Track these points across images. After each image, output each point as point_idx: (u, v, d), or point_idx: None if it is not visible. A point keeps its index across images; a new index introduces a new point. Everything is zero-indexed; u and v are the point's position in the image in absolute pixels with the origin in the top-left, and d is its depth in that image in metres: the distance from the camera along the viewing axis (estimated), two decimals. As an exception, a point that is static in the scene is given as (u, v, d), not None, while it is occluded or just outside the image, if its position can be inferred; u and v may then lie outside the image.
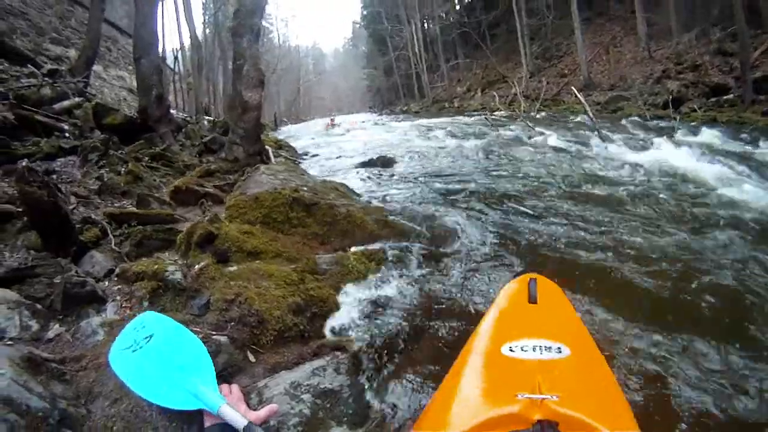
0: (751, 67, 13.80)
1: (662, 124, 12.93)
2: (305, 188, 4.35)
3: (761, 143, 9.04)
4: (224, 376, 2.00)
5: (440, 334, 2.79)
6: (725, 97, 14.62)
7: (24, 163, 2.72)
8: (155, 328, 1.80)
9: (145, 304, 2.51)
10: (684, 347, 2.62)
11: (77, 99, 8.55)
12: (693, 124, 12.14)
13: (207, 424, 1.51)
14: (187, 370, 1.61)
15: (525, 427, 1.12)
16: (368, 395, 2.19)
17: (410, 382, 2.35)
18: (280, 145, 12.53)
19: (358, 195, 5.47)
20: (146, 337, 1.73)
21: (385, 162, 9.21)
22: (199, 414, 1.54)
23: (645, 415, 2.06)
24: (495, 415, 1.16)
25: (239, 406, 1.56)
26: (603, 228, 4.58)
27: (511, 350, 1.50)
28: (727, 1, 16.36)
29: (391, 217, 4.38)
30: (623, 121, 14.56)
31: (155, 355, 1.66)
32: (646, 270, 3.58)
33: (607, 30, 28.56)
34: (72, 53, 15.06)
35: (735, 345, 2.63)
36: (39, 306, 2.30)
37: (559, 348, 1.48)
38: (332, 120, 29.77)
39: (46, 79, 9.50)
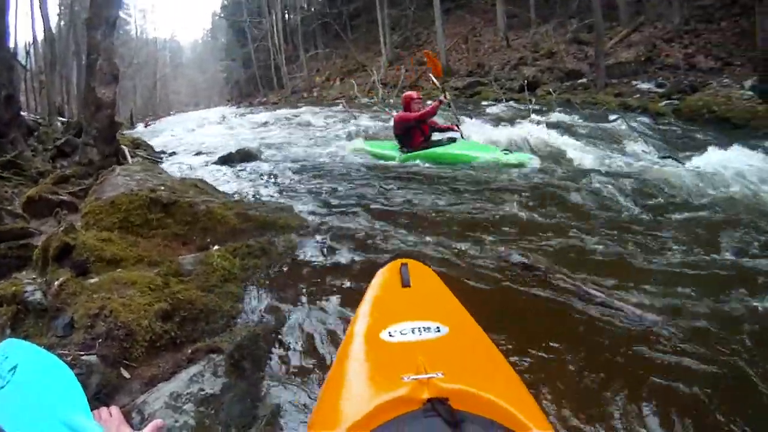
0: (606, 54, 14.95)
1: (518, 105, 13.65)
2: (163, 187, 4.18)
3: (609, 118, 10.03)
4: (100, 398, 1.90)
5: (316, 323, 2.80)
6: (579, 81, 15.93)
7: None
8: (18, 357, 1.63)
9: (8, 331, 2.34)
10: (558, 310, 2.81)
11: None
12: (547, 105, 13.01)
13: None
14: (58, 402, 1.48)
15: (416, 407, 1.11)
16: (252, 395, 2.16)
17: (293, 375, 2.34)
18: (137, 144, 11.91)
19: (218, 191, 5.34)
20: (11, 369, 1.57)
21: (244, 155, 9.05)
22: None
23: (532, 379, 2.19)
24: (383, 401, 1.14)
25: (121, 428, 1.45)
26: (465, 207, 4.78)
27: (390, 335, 1.49)
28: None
29: (252, 211, 4.30)
30: (481, 104, 15.34)
31: (22, 388, 1.52)
32: (509, 241, 3.82)
33: (467, 21, 29.57)
34: None
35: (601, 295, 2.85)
36: None
37: (437, 327, 1.49)
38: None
39: None
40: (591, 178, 5.37)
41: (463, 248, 3.68)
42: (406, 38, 33.72)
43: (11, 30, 8.85)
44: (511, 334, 2.54)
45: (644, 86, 13.64)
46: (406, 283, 1.87)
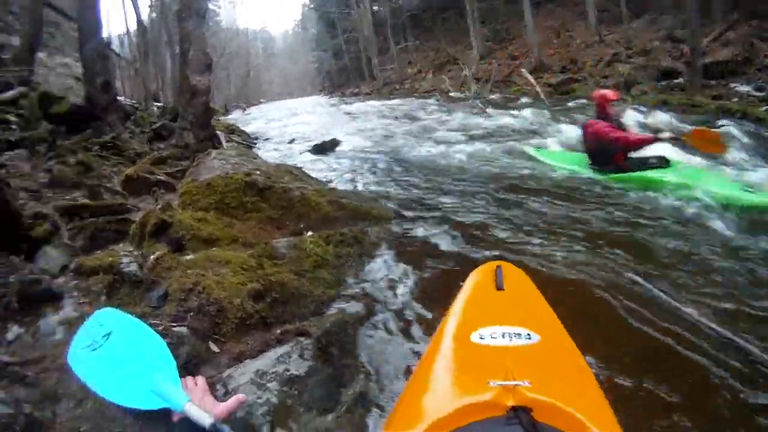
0: (701, 53, 14.07)
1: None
2: (258, 172, 4.30)
3: (716, 124, 9.00)
4: (188, 368, 1.97)
5: (406, 318, 2.80)
6: (675, 81, 14.90)
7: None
8: (113, 325, 1.73)
9: (102, 298, 2.45)
10: (667, 339, 2.64)
11: (22, 89, 8.17)
12: (644, 106, 12.12)
13: (174, 419, 1.47)
14: (148, 368, 1.55)
15: (499, 414, 1.09)
16: (337, 381, 2.18)
17: (379, 365, 2.35)
18: (231, 130, 12.32)
19: (312, 178, 5.43)
20: (105, 335, 1.67)
21: (337, 144, 9.27)
22: (165, 411, 1.50)
23: (619, 401, 2.05)
24: (468, 404, 1.12)
25: (205, 398, 1.50)
26: (568, 215, 4.59)
27: (480, 338, 1.46)
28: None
29: (346, 199, 4.37)
30: (574, 102, 14.73)
31: (115, 353, 1.60)
32: (611, 255, 3.60)
33: (558, 14, 28.79)
34: (16, 41, 14.32)
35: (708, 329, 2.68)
36: (-5, 308, 2.21)
37: (528, 334, 1.45)
38: None
39: (-12, 69, 9.12)
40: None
41: (574, 259, 3.55)
42: (497, 31, 33.11)
43: (104, 21, 9.34)
44: (606, 353, 2.43)
45: (743, 89, 12.62)
46: (499, 286, 1.84)
